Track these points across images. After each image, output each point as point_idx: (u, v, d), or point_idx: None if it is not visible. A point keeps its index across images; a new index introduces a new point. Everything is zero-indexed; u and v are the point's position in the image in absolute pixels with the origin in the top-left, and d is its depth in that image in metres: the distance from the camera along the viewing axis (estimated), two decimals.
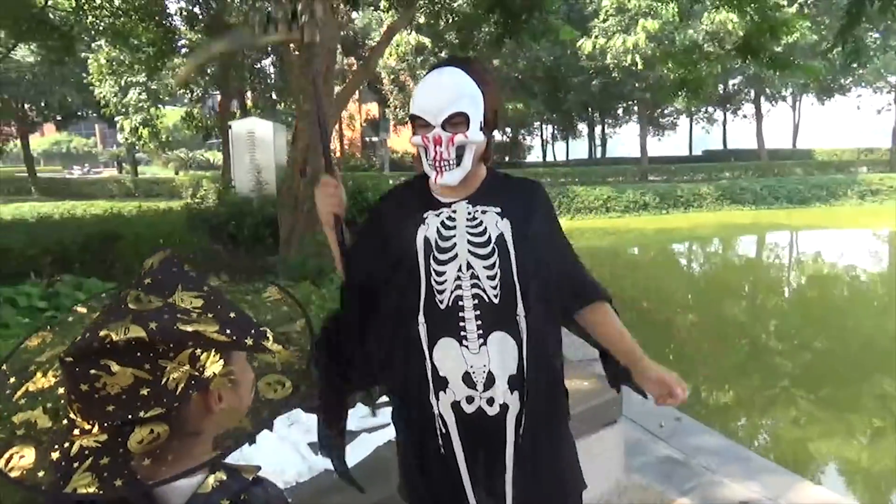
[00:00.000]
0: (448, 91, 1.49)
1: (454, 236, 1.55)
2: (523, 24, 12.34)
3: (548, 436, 1.59)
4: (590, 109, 33.26)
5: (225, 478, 0.87)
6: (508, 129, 40.09)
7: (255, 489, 0.89)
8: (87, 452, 0.76)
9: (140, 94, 22.49)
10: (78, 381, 0.75)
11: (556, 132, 41.66)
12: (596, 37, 23.72)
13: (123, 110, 23.05)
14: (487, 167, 1.64)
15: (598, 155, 38.76)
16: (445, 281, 1.53)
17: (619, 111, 35.17)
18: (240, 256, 6.52)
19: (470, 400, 1.55)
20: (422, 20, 21.23)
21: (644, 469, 3.33)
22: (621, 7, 22.43)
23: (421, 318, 1.57)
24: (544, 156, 42.34)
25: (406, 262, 1.57)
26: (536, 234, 1.56)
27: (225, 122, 16.81)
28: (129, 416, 0.76)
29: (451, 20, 16.18)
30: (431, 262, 1.55)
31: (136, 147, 28.18)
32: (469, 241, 1.54)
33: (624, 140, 42.04)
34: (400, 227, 1.60)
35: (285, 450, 2.40)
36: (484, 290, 1.51)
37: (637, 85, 25.76)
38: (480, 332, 1.51)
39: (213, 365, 0.82)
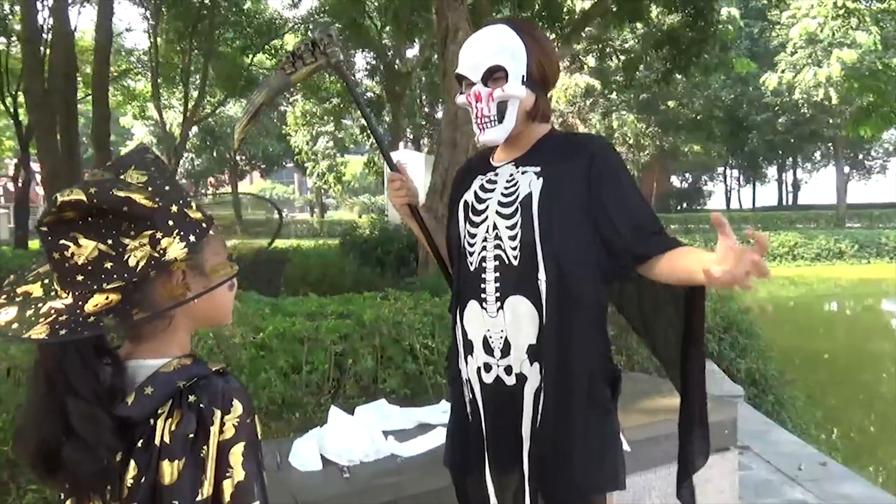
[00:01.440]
0: (486, 46, 1.46)
1: (489, 199, 1.51)
2: (693, 59, 11.90)
3: (570, 419, 1.42)
4: (779, 152, 30.75)
5: (188, 363, 0.94)
6: (688, 175, 38.34)
7: (215, 378, 0.93)
8: (52, 312, 0.87)
9: (328, 142, 24.67)
10: (51, 249, 0.86)
11: (740, 177, 39.07)
12: (783, 71, 22.09)
13: (313, 157, 25.38)
14: (552, 129, 1.56)
15: (789, 202, 35.60)
16: (475, 243, 1.50)
17: (817, 154, 32.14)
18: (385, 277, 6.82)
19: (488, 368, 1.49)
20: (591, 63, 21.26)
21: None
22: (812, 38, 20.73)
23: (456, 281, 1.57)
24: (728, 203, 39.76)
25: (453, 227, 1.58)
26: (575, 193, 1.42)
27: None
28: (94, 287, 0.86)
29: (619, 60, 16.03)
30: (467, 224, 1.54)
31: (324, 192, 30.79)
32: (498, 202, 1.49)
33: (821, 186, 38.19)
34: (456, 196, 1.62)
35: (359, 432, 2.44)
36: (504, 252, 1.45)
37: (830, 121, 23.48)
38: (498, 294, 1.45)
39: (175, 249, 0.89)
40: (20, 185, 16.04)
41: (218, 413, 0.89)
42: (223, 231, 1.02)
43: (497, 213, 1.48)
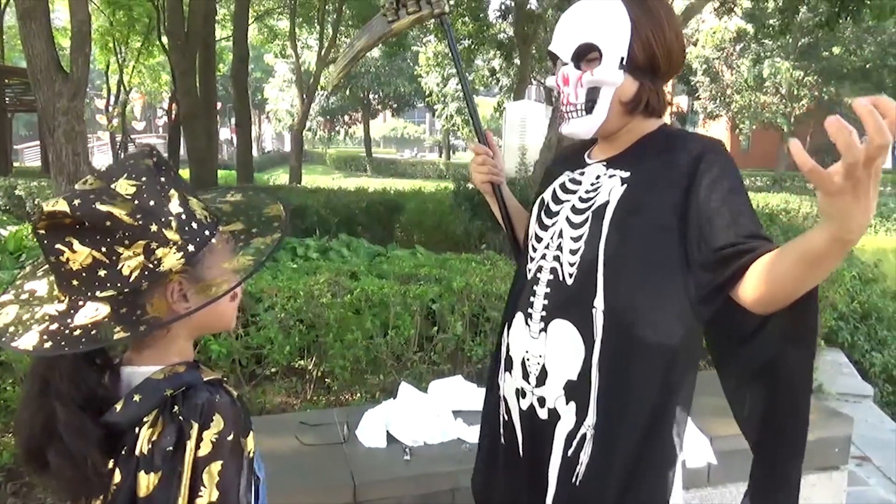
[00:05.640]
0: (581, 19, 1.22)
1: (566, 201, 1.31)
2: (866, 1, 10.46)
3: (606, 480, 1.19)
4: None
5: (181, 370, 0.91)
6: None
7: (201, 390, 0.90)
8: (46, 318, 0.85)
9: (458, 83, 24.49)
10: (48, 253, 0.85)
11: None
12: None
13: (442, 99, 25.36)
14: (662, 126, 1.28)
15: None
16: (539, 249, 1.32)
17: None
18: (496, 231, 6.76)
19: (522, 393, 1.32)
20: (746, 3, 19.37)
21: None
22: None
23: (512, 285, 1.42)
24: (895, 162, 35.64)
25: (530, 225, 1.41)
26: (664, 204, 1.17)
27: None
28: (88, 294, 0.84)
29: (776, 1, 14.44)
30: (536, 226, 1.36)
31: (452, 133, 30.85)
32: (572, 208, 1.28)
33: None
34: (541, 190, 1.43)
35: (426, 411, 2.40)
36: (560, 266, 1.24)
37: None
38: (544, 313, 1.26)
39: (170, 260, 0.86)
40: (173, 117, 17.30)
41: (195, 427, 0.85)
42: (233, 238, 0.95)
43: (567, 219, 1.27)
